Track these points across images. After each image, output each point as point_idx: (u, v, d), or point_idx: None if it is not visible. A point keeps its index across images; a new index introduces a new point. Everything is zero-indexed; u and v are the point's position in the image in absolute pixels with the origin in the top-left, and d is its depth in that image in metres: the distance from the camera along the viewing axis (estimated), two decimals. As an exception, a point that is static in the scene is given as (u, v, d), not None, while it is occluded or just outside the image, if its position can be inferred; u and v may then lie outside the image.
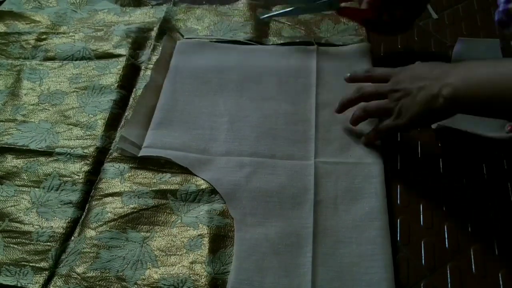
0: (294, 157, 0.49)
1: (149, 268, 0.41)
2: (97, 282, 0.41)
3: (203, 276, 0.40)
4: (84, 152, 0.51)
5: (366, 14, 0.56)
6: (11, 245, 0.44)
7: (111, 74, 0.58)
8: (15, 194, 0.48)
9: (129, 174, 0.49)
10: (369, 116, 0.50)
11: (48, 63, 0.61)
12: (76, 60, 0.61)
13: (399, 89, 0.45)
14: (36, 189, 0.48)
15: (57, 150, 0.51)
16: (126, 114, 0.55)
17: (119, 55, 0.61)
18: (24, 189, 0.48)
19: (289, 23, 0.64)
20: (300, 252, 0.42)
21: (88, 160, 0.50)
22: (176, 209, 0.46)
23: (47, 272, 0.42)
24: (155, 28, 0.64)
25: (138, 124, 0.53)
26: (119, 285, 0.40)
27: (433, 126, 0.50)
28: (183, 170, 0.48)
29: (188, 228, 0.44)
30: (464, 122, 0.49)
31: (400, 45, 0.61)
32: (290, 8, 0.61)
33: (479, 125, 0.49)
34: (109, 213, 0.45)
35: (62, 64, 0.61)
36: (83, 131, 0.53)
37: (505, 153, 0.48)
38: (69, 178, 0.48)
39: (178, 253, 0.42)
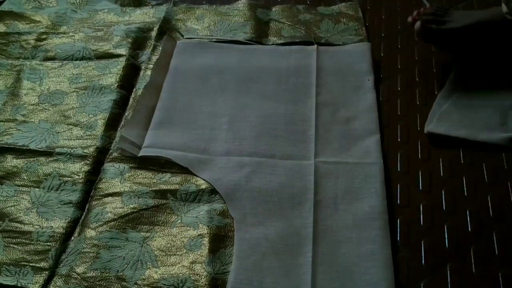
0: (294, 157, 0.49)
1: (149, 268, 0.41)
2: (97, 282, 0.40)
3: (203, 276, 0.40)
4: (84, 152, 0.51)
5: None
6: (11, 245, 0.44)
7: (111, 74, 0.58)
8: (15, 194, 0.48)
9: (129, 174, 0.49)
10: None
11: (48, 63, 0.61)
12: (76, 60, 0.61)
13: None
14: (36, 189, 0.48)
15: (57, 150, 0.51)
16: (126, 114, 0.55)
17: (119, 55, 0.61)
18: (24, 189, 0.48)
19: (289, 23, 0.64)
20: (300, 251, 0.42)
21: (88, 160, 0.50)
22: (176, 209, 0.46)
23: (47, 272, 0.42)
24: (155, 28, 0.65)
25: (138, 124, 0.53)
26: (119, 285, 0.40)
27: (425, 131, 0.50)
28: (183, 170, 0.48)
29: (188, 228, 0.44)
30: (456, 129, 0.49)
31: (400, 45, 0.61)
32: None
33: (472, 129, 0.49)
34: (109, 213, 0.45)
35: (62, 64, 0.61)
36: (83, 131, 0.53)
37: (506, 153, 0.48)
38: (69, 178, 0.48)
39: (178, 253, 0.42)
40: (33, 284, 0.41)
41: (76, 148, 0.51)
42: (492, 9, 0.54)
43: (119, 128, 0.54)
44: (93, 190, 0.48)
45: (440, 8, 0.56)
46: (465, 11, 0.57)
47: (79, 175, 0.49)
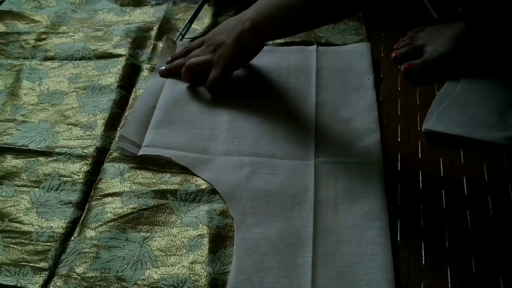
0: (294, 156, 0.49)
1: (149, 268, 0.41)
2: (97, 283, 0.40)
3: (203, 276, 0.40)
4: (83, 152, 0.50)
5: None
6: (11, 245, 0.43)
7: (111, 74, 0.58)
8: (15, 194, 0.48)
9: (129, 174, 0.49)
10: (193, 70, 0.54)
11: (47, 63, 0.61)
12: (75, 60, 0.61)
13: (213, 43, 0.53)
14: (36, 189, 0.48)
15: (56, 150, 0.51)
16: (126, 114, 0.55)
17: (119, 55, 0.61)
18: (24, 189, 0.48)
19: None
20: (300, 252, 0.42)
21: (87, 160, 0.50)
22: (176, 209, 0.46)
23: (46, 272, 0.41)
24: (154, 28, 0.64)
25: (138, 123, 0.53)
26: (119, 285, 0.40)
27: (423, 129, 0.50)
28: (183, 170, 0.48)
29: (188, 228, 0.44)
30: (454, 126, 0.49)
31: (398, 44, 0.61)
32: None
33: (470, 128, 0.49)
34: (109, 213, 0.45)
35: (61, 64, 0.61)
36: (82, 131, 0.53)
37: (506, 153, 0.48)
38: (69, 178, 0.48)
39: (178, 253, 0.42)
40: (32, 284, 0.41)
41: (75, 148, 0.51)
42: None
43: (118, 128, 0.53)
44: (92, 190, 0.48)
45: (413, 34, 0.58)
46: (439, 27, 0.57)
47: (78, 175, 0.49)
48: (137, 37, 0.63)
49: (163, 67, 0.58)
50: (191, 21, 0.63)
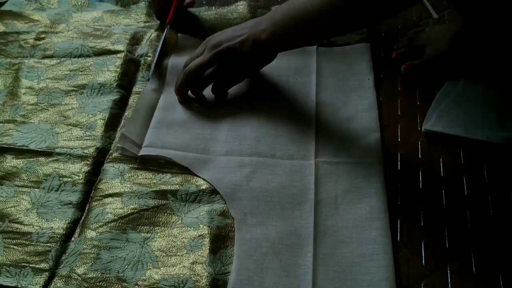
0: (294, 156, 0.49)
1: (149, 268, 0.41)
2: (97, 283, 0.40)
3: (204, 277, 0.40)
4: (84, 153, 0.50)
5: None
6: (11, 246, 0.43)
7: (110, 72, 0.58)
8: (15, 195, 0.48)
9: (129, 175, 0.48)
10: (191, 77, 0.53)
11: (46, 61, 0.61)
12: (74, 57, 0.61)
13: (221, 49, 0.50)
14: (36, 189, 0.48)
15: (57, 150, 0.51)
16: (126, 114, 0.55)
17: (117, 51, 0.61)
18: (24, 190, 0.48)
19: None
20: (301, 252, 0.42)
21: (88, 160, 0.50)
22: (177, 209, 0.46)
23: (47, 273, 0.41)
24: (154, 29, 0.64)
25: (139, 123, 0.53)
26: (119, 286, 0.40)
27: (423, 130, 0.50)
28: (183, 170, 0.48)
29: (189, 228, 0.44)
30: (454, 126, 0.49)
31: (397, 45, 0.61)
32: None
33: (470, 128, 0.49)
34: (109, 214, 0.45)
35: (60, 61, 0.61)
36: (82, 132, 0.53)
37: (506, 153, 0.48)
38: (69, 179, 0.48)
39: (178, 253, 0.42)
40: (33, 285, 0.41)
41: (76, 148, 0.51)
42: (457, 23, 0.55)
43: (118, 129, 0.53)
44: (93, 191, 0.48)
45: (413, 33, 0.58)
46: (439, 27, 0.58)
47: (79, 176, 0.48)
48: (136, 34, 0.63)
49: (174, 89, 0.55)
50: (160, 53, 0.59)
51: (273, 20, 0.49)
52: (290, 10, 0.48)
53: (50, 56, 0.61)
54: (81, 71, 0.59)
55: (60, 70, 0.59)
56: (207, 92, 0.55)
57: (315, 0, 0.45)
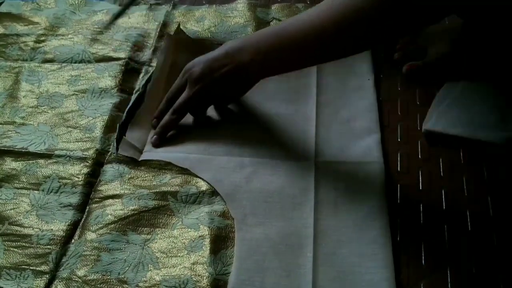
0: (294, 157, 0.49)
1: (150, 270, 0.41)
2: (98, 285, 0.40)
3: (204, 277, 0.40)
4: (83, 154, 0.50)
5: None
6: (11, 249, 0.43)
7: (110, 78, 0.58)
8: (15, 197, 0.47)
9: (129, 176, 0.48)
10: (178, 115, 0.51)
11: (47, 65, 0.61)
12: (75, 62, 0.61)
13: (205, 84, 0.48)
14: (36, 191, 0.48)
15: (56, 152, 0.51)
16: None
17: (118, 58, 0.61)
18: (24, 192, 0.48)
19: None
20: (301, 252, 0.42)
21: (87, 162, 0.50)
22: (177, 210, 0.46)
23: (47, 276, 0.41)
24: (154, 32, 0.64)
25: (140, 127, 0.53)
26: (120, 288, 0.40)
27: (423, 130, 0.50)
28: (183, 171, 0.48)
29: (189, 229, 0.44)
30: (454, 126, 0.49)
31: (400, 45, 0.61)
32: None
33: (470, 128, 0.49)
34: (109, 215, 0.45)
35: (61, 66, 0.61)
36: (82, 133, 0.52)
37: (506, 153, 0.48)
38: (69, 181, 0.48)
39: (179, 254, 0.42)
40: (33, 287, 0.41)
41: (75, 150, 0.51)
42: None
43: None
44: (92, 193, 0.48)
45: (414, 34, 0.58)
46: (440, 28, 0.57)
47: (78, 177, 0.48)
48: (137, 41, 0.63)
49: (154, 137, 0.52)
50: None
51: (258, 50, 0.46)
52: (275, 38, 0.45)
53: (51, 60, 0.61)
54: (82, 77, 0.59)
55: (61, 75, 0.59)
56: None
57: (302, 26, 0.43)
